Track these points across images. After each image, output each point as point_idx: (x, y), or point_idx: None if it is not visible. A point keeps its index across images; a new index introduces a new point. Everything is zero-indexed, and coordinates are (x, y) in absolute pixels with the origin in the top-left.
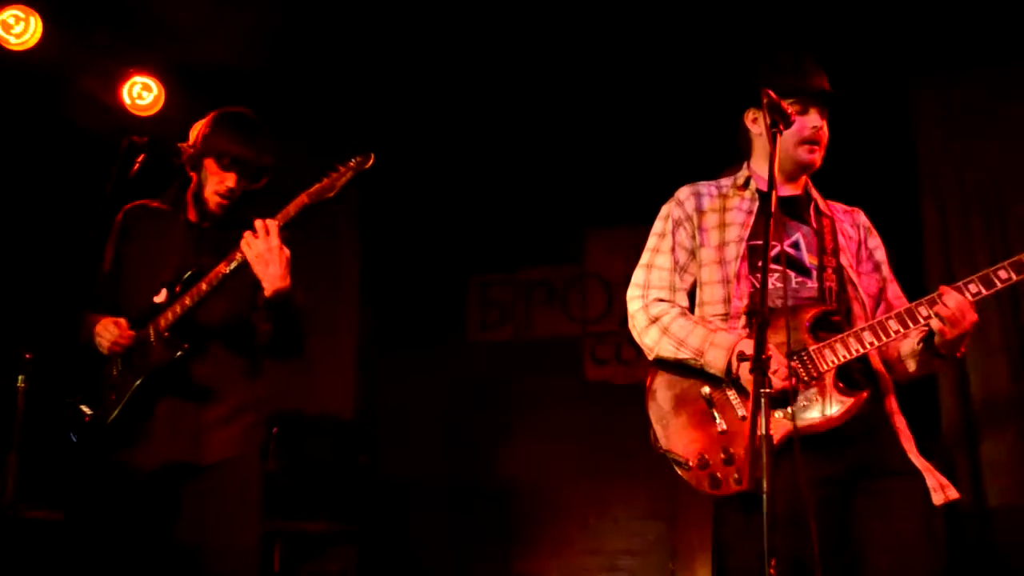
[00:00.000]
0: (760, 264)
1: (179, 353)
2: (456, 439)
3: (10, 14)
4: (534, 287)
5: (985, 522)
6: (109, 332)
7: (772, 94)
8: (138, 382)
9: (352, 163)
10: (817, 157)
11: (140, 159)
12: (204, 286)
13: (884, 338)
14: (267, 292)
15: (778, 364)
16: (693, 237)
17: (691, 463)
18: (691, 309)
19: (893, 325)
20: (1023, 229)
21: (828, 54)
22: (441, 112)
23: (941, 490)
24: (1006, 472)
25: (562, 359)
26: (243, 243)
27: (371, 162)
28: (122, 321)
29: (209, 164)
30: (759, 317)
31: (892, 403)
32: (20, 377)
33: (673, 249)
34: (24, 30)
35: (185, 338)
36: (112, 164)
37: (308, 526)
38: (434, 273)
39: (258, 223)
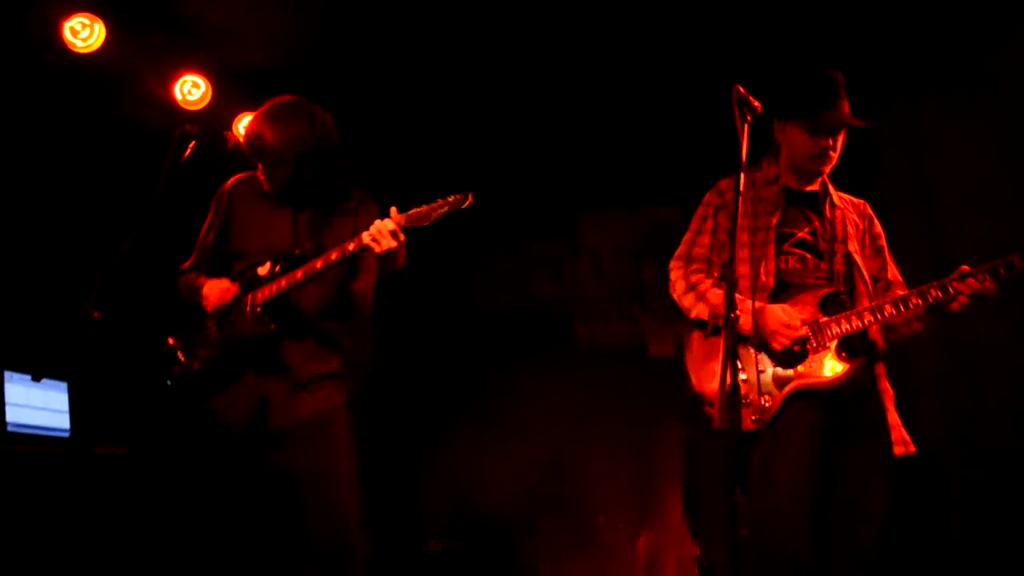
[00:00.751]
0: (782, 247)
1: (265, 332)
2: (463, 393)
3: (77, 20)
4: (532, 259)
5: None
6: (214, 293)
7: (741, 89)
8: (228, 348)
9: (451, 199)
10: (826, 168)
11: (191, 145)
12: (300, 275)
13: (880, 318)
14: (385, 273)
15: (792, 333)
16: (728, 221)
17: (716, 403)
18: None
19: (888, 309)
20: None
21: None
22: (452, 104)
23: (903, 444)
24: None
25: (555, 322)
26: (369, 237)
27: (468, 203)
28: (228, 284)
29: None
30: (727, 278)
31: (881, 369)
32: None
33: (712, 231)
34: (89, 35)
35: (275, 317)
36: (166, 152)
37: None
38: (442, 246)
39: (388, 221)
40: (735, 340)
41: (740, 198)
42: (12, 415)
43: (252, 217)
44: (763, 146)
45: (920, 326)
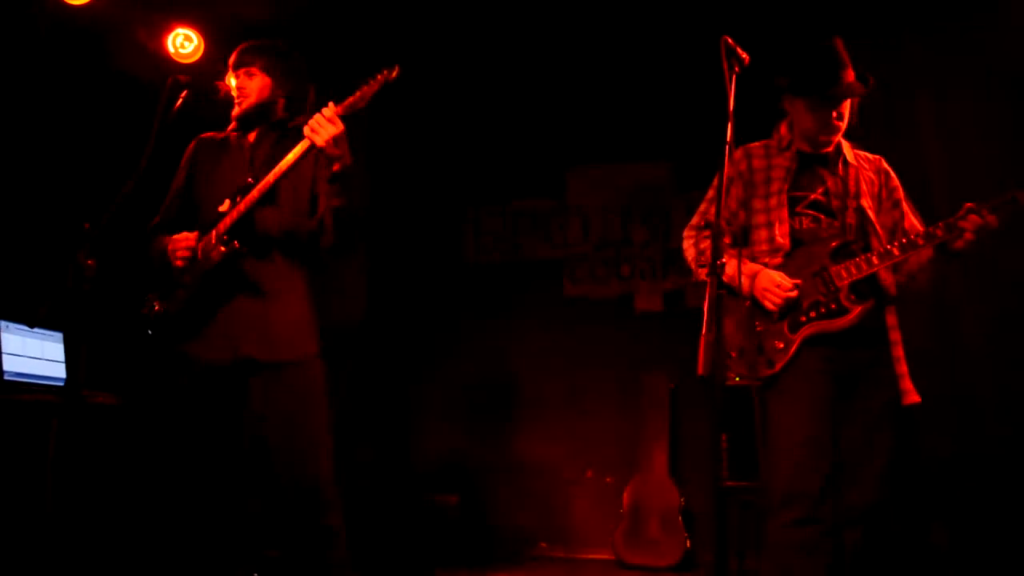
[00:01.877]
0: (796, 209)
1: (232, 251)
2: (455, 346)
3: None
4: (521, 217)
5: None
6: (179, 245)
7: (729, 40)
8: (200, 282)
9: (379, 76)
10: (834, 139)
11: (183, 95)
12: (255, 193)
13: (887, 261)
14: (337, 167)
15: (784, 293)
16: (745, 189)
17: (732, 354)
18: (746, 245)
19: (895, 252)
20: None
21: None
22: (440, 68)
23: (910, 394)
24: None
25: (545, 279)
26: (309, 128)
27: (396, 72)
28: (189, 234)
29: (230, 80)
30: (713, 229)
31: (892, 318)
32: (85, 279)
33: (724, 201)
34: None
35: (241, 240)
36: (158, 103)
37: None
38: (435, 204)
39: (325, 110)
40: (719, 287)
41: (728, 149)
42: (8, 364)
43: (214, 168)
44: (776, 114)
45: (929, 274)
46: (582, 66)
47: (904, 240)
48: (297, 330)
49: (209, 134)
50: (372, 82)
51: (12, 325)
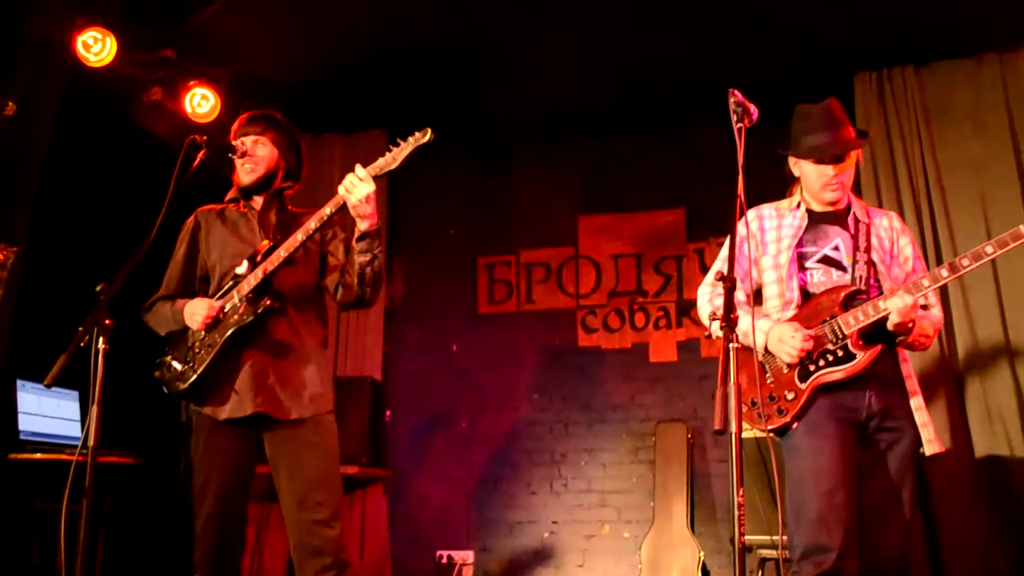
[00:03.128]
0: (806, 264)
1: (262, 308)
2: (468, 397)
3: (89, 35)
4: (534, 267)
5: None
6: (200, 309)
7: (737, 94)
8: (225, 338)
9: (411, 138)
10: (839, 194)
11: (200, 155)
12: (283, 252)
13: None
14: (366, 228)
15: (800, 344)
16: (756, 249)
17: (746, 406)
18: (758, 303)
19: (904, 296)
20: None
21: (783, 47)
22: (453, 114)
23: (933, 443)
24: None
25: (557, 328)
26: (343, 187)
27: (428, 137)
28: (205, 299)
29: (234, 157)
30: (727, 282)
31: (907, 367)
32: (101, 339)
33: (737, 259)
34: (101, 49)
35: (264, 299)
36: (175, 163)
37: (346, 470)
38: (449, 256)
39: (358, 170)
40: (729, 340)
41: (739, 202)
42: (24, 423)
43: (223, 237)
44: (788, 177)
45: (931, 337)
46: (593, 113)
47: (910, 286)
48: (311, 387)
49: (207, 207)
50: (404, 144)
51: (28, 384)
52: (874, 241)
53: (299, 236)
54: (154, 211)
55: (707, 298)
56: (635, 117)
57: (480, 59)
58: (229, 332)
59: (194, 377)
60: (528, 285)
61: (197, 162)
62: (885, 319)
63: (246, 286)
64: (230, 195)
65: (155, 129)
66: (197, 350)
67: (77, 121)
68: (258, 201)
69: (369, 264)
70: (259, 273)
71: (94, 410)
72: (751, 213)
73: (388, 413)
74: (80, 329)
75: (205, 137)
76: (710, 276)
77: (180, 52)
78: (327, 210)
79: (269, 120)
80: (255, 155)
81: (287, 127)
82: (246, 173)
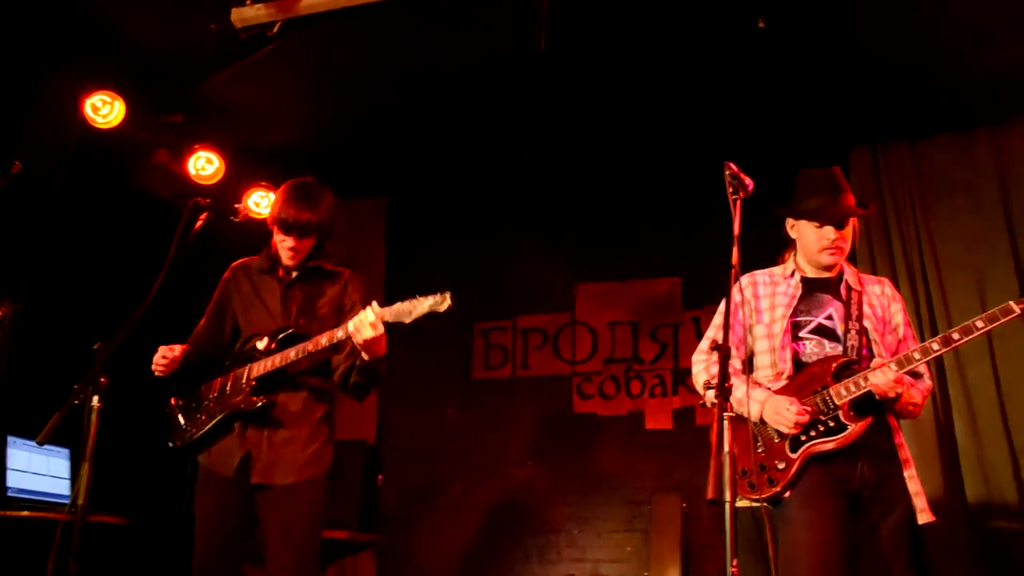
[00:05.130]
0: (799, 334)
1: (258, 405)
2: (462, 462)
3: (98, 98)
4: (530, 332)
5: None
6: (162, 354)
7: (732, 166)
8: (222, 416)
9: (432, 299)
10: (836, 259)
11: (203, 217)
12: (293, 354)
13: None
14: (367, 360)
15: (796, 416)
16: (750, 316)
17: (737, 476)
18: (751, 370)
19: (893, 367)
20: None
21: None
22: (452, 183)
23: (926, 512)
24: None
25: (553, 394)
26: (353, 325)
27: (447, 305)
28: (174, 348)
29: (275, 230)
30: (721, 352)
31: (899, 436)
32: (95, 398)
33: (732, 327)
34: (109, 112)
35: (268, 388)
36: (177, 225)
37: (336, 534)
38: (445, 320)
39: (371, 310)
40: (724, 409)
41: (735, 273)
42: (13, 480)
43: (250, 299)
44: (782, 241)
45: (920, 405)
46: (591, 184)
47: (902, 358)
48: (306, 454)
49: (244, 260)
50: (422, 301)
51: (19, 440)
52: (866, 309)
53: (310, 347)
54: (154, 272)
55: (702, 366)
56: (633, 188)
57: (483, 135)
58: (226, 413)
59: (191, 440)
60: (524, 351)
61: (199, 225)
62: None
63: (256, 369)
64: (263, 258)
65: (159, 191)
66: (199, 414)
67: (82, 181)
68: (291, 273)
69: (361, 388)
70: (269, 364)
71: (85, 469)
72: (744, 279)
73: (380, 477)
74: (75, 387)
75: (208, 200)
76: (704, 343)
77: (187, 117)
78: (339, 334)
79: (311, 204)
80: (298, 248)
81: (325, 200)
82: (288, 257)
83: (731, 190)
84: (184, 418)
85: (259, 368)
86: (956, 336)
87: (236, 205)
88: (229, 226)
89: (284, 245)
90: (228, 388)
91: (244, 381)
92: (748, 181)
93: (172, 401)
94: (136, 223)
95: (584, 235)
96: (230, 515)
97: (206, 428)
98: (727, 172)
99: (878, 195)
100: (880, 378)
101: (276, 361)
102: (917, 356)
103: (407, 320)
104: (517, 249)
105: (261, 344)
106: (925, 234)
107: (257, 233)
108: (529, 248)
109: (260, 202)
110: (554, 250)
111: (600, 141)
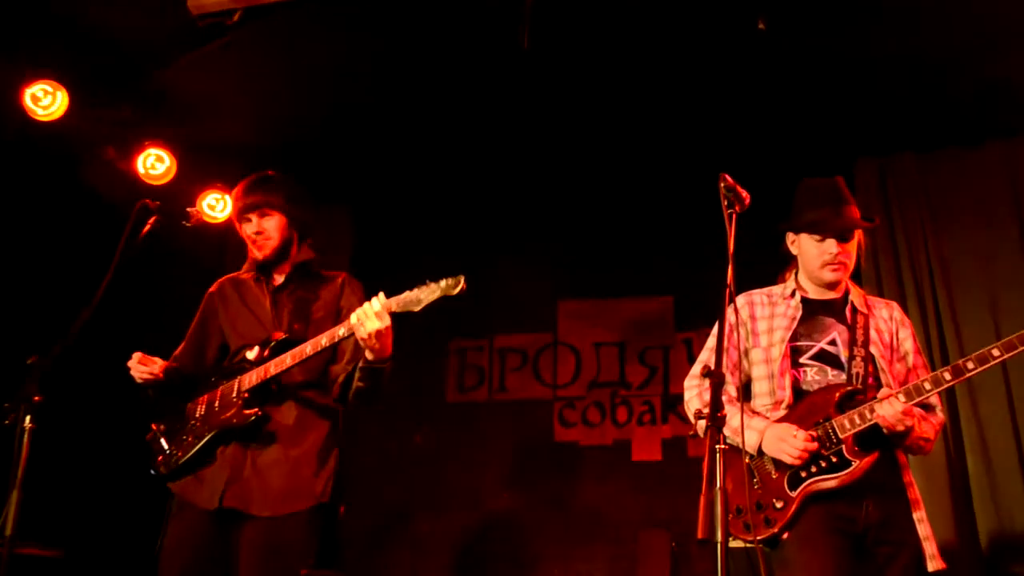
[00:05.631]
0: (799, 360)
1: (251, 419)
2: (431, 494)
3: (39, 87)
4: (508, 352)
5: None
6: (140, 361)
7: (728, 178)
8: (211, 434)
9: (443, 283)
10: (840, 275)
11: (152, 221)
12: (290, 360)
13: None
14: (372, 360)
15: (802, 445)
16: (746, 339)
17: (731, 514)
18: (747, 398)
19: (901, 399)
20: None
21: (779, 131)
22: (426, 195)
23: (936, 559)
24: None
25: (532, 420)
26: (356, 318)
27: (461, 288)
28: (155, 359)
29: (238, 225)
30: (714, 378)
31: (908, 475)
32: (27, 418)
33: (726, 350)
34: (51, 103)
35: (261, 401)
36: (125, 226)
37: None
38: (416, 337)
39: (376, 301)
40: (716, 441)
41: (729, 292)
42: None
43: (238, 314)
44: (780, 259)
45: (932, 440)
46: (577, 194)
47: (911, 388)
48: (293, 482)
49: (230, 276)
50: (433, 287)
51: None
52: (873, 334)
53: (308, 349)
54: (98, 279)
55: (695, 392)
56: (622, 198)
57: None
58: (216, 432)
59: (177, 465)
60: (501, 372)
61: (147, 228)
62: None
63: (247, 380)
64: (246, 269)
65: (104, 191)
66: (185, 435)
67: (19, 178)
68: (278, 278)
69: (367, 394)
70: (262, 372)
71: (14, 496)
72: (741, 299)
73: (342, 509)
74: (5, 405)
75: (158, 202)
76: (697, 367)
77: (136, 111)
78: (340, 331)
79: (269, 185)
80: (263, 231)
81: (287, 183)
82: (259, 249)
83: (726, 203)
84: (168, 441)
85: (250, 379)
86: (970, 366)
87: (189, 208)
88: (182, 231)
89: (248, 232)
90: (216, 404)
91: (235, 394)
92: (744, 194)
93: (153, 426)
94: (79, 226)
95: (568, 247)
96: (202, 553)
97: (194, 450)
98: (722, 184)
99: (885, 210)
100: (887, 410)
101: (271, 369)
102: (927, 387)
103: (416, 308)
104: (495, 261)
105: (251, 354)
106: (935, 252)
107: (212, 240)
108: (508, 260)
109: (215, 205)
110: (535, 263)
111: (588, 147)
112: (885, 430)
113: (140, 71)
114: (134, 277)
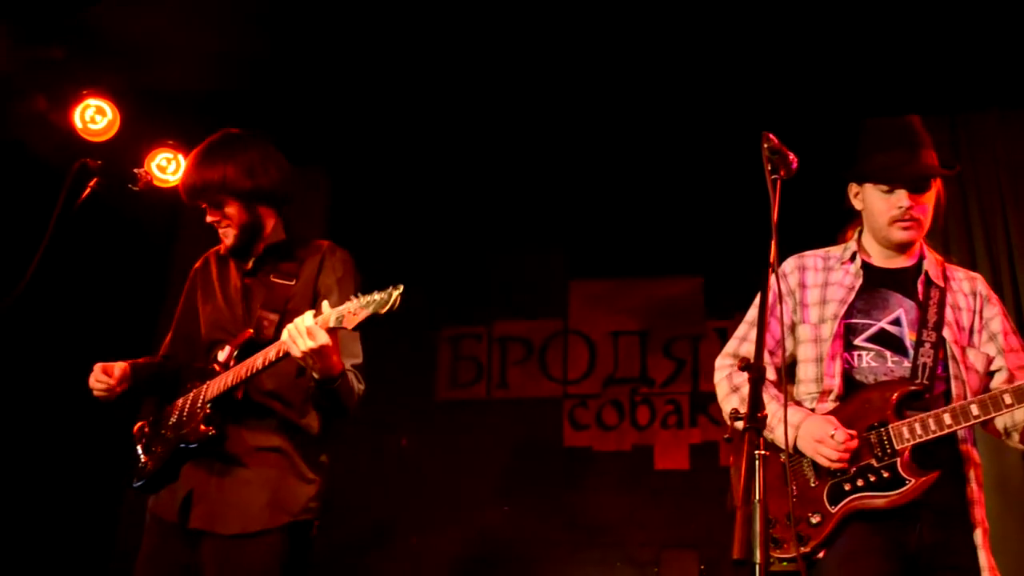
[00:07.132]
0: (854, 341)
1: (206, 437)
2: (419, 506)
3: None
4: (510, 341)
5: None
6: (99, 374)
7: (772, 138)
8: (172, 449)
9: (377, 296)
10: (912, 234)
11: (92, 183)
12: (244, 371)
13: (963, 421)
14: (318, 378)
15: (843, 445)
16: (794, 312)
17: (736, 527)
18: (791, 380)
19: (975, 410)
20: None
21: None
22: (414, 150)
23: None
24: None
25: (538, 422)
26: (287, 336)
27: (392, 304)
28: (112, 369)
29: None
30: (752, 372)
31: (974, 491)
32: None
33: (768, 325)
34: None
35: (224, 411)
36: (60, 189)
37: None
38: (401, 324)
39: (307, 317)
40: (755, 446)
41: (771, 272)
42: None
43: (209, 296)
44: (843, 216)
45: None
46: (592, 155)
47: (987, 400)
48: (264, 498)
49: (217, 248)
50: (367, 301)
51: None
52: (948, 314)
53: (258, 364)
54: (31, 251)
55: (727, 372)
56: (644, 162)
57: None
58: (175, 447)
59: (147, 477)
60: (502, 365)
61: (88, 191)
62: (952, 435)
63: (211, 390)
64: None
65: (35, 147)
66: (155, 444)
67: None
68: (251, 261)
69: (329, 412)
70: (221, 383)
71: None
72: (790, 263)
73: (316, 523)
74: None
75: (99, 162)
76: (732, 344)
77: (70, 52)
78: (271, 354)
79: (216, 159)
80: (218, 218)
81: (244, 149)
82: (223, 238)
83: (769, 168)
84: (142, 450)
85: (213, 389)
86: None
87: (136, 170)
88: (128, 196)
89: (207, 220)
90: (185, 413)
91: (199, 404)
92: (792, 157)
93: (136, 428)
94: (5, 189)
95: (581, 219)
96: (174, 571)
97: (162, 463)
98: (765, 146)
99: (957, 176)
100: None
101: (228, 380)
102: (1008, 400)
103: (349, 326)
104: (496, 235)
105: (222, 355)
106: (1015, 222)
107: (163, 206)
108: (511, 232)
109: (167, 166)
110: (543, 235)
111: (606, 98)
112: None
113: (75, 5)
114: (72, 249)
